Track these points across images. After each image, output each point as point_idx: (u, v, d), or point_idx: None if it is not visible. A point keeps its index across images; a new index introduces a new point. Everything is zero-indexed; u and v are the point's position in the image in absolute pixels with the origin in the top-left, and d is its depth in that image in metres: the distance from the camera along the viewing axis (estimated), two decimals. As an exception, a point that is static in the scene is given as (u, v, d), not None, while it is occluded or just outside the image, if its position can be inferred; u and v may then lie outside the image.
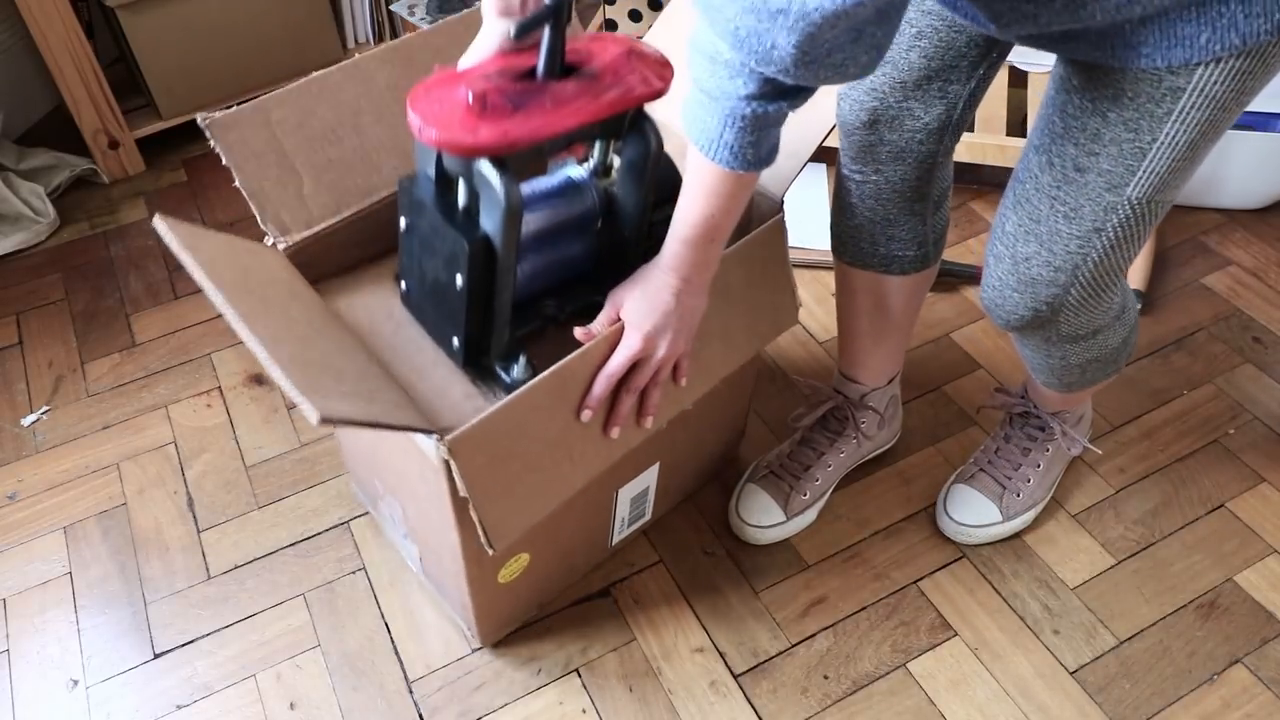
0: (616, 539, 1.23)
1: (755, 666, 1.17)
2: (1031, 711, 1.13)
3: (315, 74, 1.00)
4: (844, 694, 1.14)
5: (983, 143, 1.61)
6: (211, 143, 0.94)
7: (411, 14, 1.91)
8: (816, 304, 1.59)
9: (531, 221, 0.94)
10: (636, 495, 1.17)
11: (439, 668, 1.16)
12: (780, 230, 1.07)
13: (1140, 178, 0.84)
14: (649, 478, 1.16)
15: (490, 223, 0.87)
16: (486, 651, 1.18)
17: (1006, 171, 1.69)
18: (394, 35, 2.01)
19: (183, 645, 1.19)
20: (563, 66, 0.85)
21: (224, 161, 0.95)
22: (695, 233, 0.86)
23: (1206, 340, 1.53)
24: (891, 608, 1.22)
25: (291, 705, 1.14)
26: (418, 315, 1.03)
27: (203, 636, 1.19)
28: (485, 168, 0.83)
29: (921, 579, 1.25)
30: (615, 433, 0.95)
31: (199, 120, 0.94)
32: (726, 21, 0.67)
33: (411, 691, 1.14)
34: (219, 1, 1.74)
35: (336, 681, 1.15)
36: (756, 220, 1.07)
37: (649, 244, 0.95)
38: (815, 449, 1.29)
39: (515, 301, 0.94)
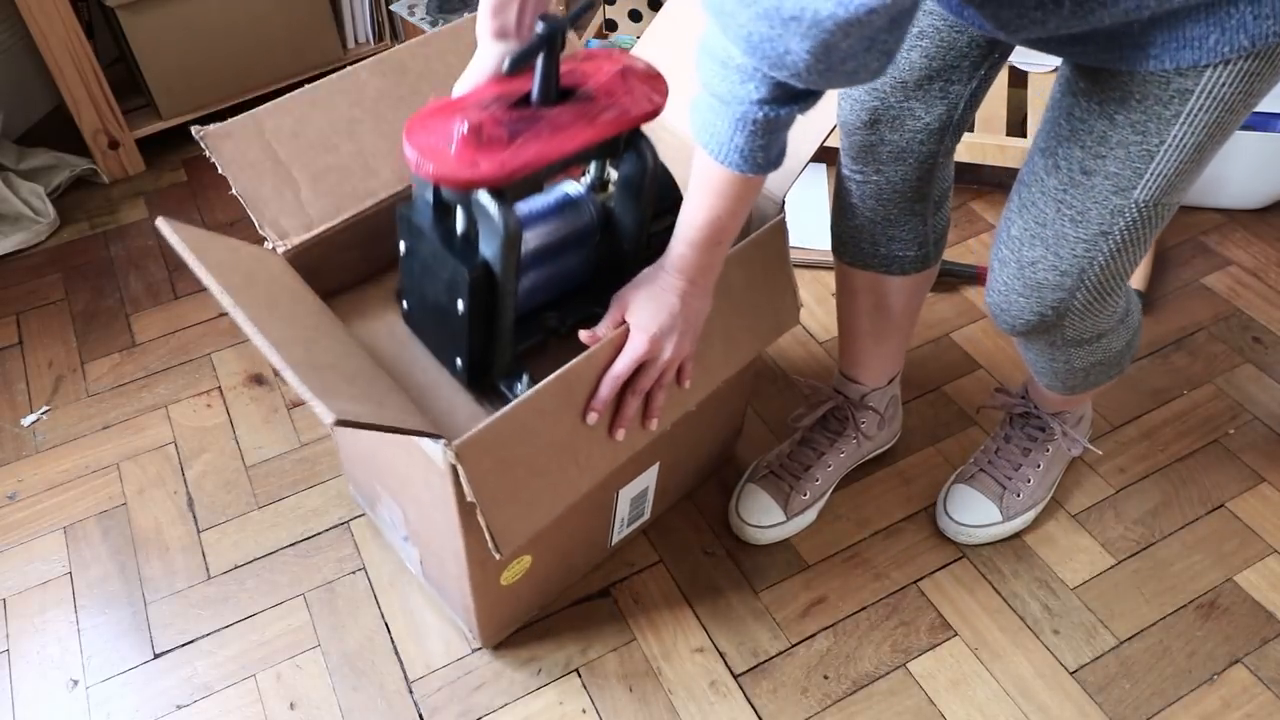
0: (616, 539, 1.23)
1: (755, 666, 1.17)
2: (1031, 711, 1.13)
3: (306, 86, 1.01)
4: (844, 694, 1.14)
5: (983, 143, 1.61)
6: (207, 153, 0.95)
7: (411, 14, 1.91)
8: (816, 304, 1.59)
9: (530, 239, 0.94)
10: (636, 495, 1.17)
11: (439, 668, 1.16)
12: (781, 231, 1.07)
13: (1147, 180, 0.84)
14: (649, 478, 1.16)
15: (490, 249, 0.87)
16: (486, 651, 1.18)
17: (1007, 171, 1.69)
18: (394, 35, 2.01)
19: (183, 645, 1.19)
20: (558, 91, 0.85)
21: (220, 170, 0.95)
22: (701, 235, 0.86)
23: (1206, 340, 1.54)
24: (891, 608, 1.22)
25: (291, 705, 1.14)
26: (420, 334, 1.03)
27: (203, 636, 1.19)
28: (484, 197, 0.83)
29: (921, 579, 1.25)
30: (620, 435, 0.95)
31: (194, 132, 0.94)
32: (739, 27, 0.66)
33: (411, 691, 1.14)
34: (219, 2, 1.74)
35: (336, 681, 1.15)
36: (757, 221, 1.07)
37: (648, 254, 0.95)
38: (815, 449, 1.29)
39: (516, 316, 0.94)
